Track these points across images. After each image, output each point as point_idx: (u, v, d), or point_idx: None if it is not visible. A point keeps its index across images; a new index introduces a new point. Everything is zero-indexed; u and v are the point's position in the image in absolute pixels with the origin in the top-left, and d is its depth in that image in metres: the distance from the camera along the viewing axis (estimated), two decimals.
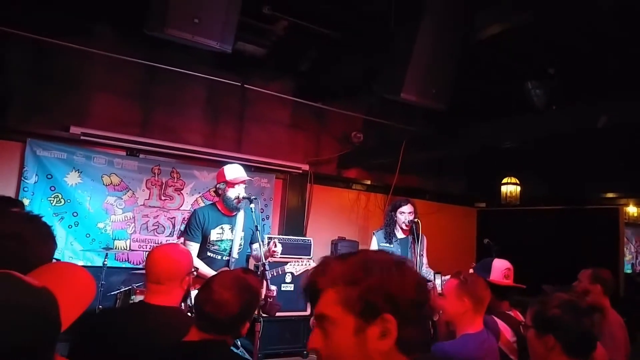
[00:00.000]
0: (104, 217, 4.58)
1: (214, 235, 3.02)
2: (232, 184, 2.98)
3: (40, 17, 4.04)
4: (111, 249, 4.34)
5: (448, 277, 2.24)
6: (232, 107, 5.25)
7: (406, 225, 3.73)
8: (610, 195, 5.57)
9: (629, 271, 6.58)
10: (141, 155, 4.84)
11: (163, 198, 4.93)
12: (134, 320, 1.65)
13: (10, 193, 4.10)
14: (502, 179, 5.82)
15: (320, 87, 5.40)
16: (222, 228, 3.05)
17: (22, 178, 4.23)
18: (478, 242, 6.89)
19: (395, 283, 0.80)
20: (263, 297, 2.58)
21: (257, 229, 2.88)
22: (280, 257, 3.23)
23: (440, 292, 2.53)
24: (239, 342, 2.48)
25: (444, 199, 6.69)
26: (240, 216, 3.08)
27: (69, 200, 4.41)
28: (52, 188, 4.35)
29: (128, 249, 4.70)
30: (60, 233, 4.33)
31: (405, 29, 3.36)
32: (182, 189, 5.02)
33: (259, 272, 2.74)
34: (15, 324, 0.68)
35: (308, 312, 4.57)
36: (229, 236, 3.06)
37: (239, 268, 2.90)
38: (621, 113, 3.34)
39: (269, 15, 4.08)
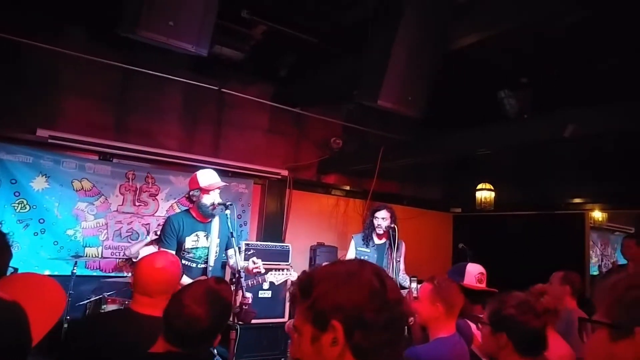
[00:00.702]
0: (73, 224, 4.43)
1: (189, 242, 2.96)
2: (206, 191, 2.93)
3: (9, 16, 3.90)
4: (81, 256, 4.19)
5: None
6: (210, 111, 5.19)
7: (382, 230, 3.77)
8: (577, 201, 5.78)
9: (595, 273, 6.81)
10: (115, 160, 4.71)
11: (137, 204, 4.81)
12: (123, 328, 1.61)
13: None
14: (477, 185, 5.95)
15: (299, 92, 5.40)
16: (197, 235, 2.99)
17: None
18: (454, 246, 7.00)
19: (343, 292, 0.85)
20: (238, 304, 2.55)
21: (232, 236, 2.84)
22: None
23: (415, 296, 2.56)
24: (215, 351, 2.43)
25: (422, 205, 6.78)
26: (215, 223, 3.04)
27: (34, 207, 4.24)
28: (17, 193, 4.17)
29: (100, 256, 4.55)
30: (24, 241, 4.16)
31: (382, 37, 3.40)
32: (157, 195, 4.92)
33: (234, 280, 2.71)
34: None
35: (286, 319, 4.53)
36: (205, 243, 3.01)
37: (211, 278, 2.84)
38: (587, 123, 3.47)
39: (247, 20, 4.06)
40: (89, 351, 1.57)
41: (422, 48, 3.42)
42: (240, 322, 2.55)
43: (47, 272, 4.21)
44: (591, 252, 6.45)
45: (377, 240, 3.85)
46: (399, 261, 3.82)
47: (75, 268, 3.82)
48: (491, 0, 3.20)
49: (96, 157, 4.62)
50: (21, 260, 4.12)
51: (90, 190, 4.53)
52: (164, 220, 4.33)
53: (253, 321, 2.98)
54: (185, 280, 2.76)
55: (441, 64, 3.58)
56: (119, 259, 4.64)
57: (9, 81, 4.09)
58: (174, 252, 2.90)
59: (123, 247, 4.64)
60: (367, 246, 3.82)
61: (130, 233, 4.73)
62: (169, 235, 2.90)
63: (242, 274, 2.69)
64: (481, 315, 2.35)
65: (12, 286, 0.90)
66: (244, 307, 2.60)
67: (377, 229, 3.78)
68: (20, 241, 4.14)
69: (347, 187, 6.22)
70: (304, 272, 0.96)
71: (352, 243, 3.95)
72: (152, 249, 4.27)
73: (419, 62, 3.45)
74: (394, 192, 6.45)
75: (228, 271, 3.90)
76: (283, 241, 5.44)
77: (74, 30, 4.31)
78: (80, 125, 4.39)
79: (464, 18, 3.47)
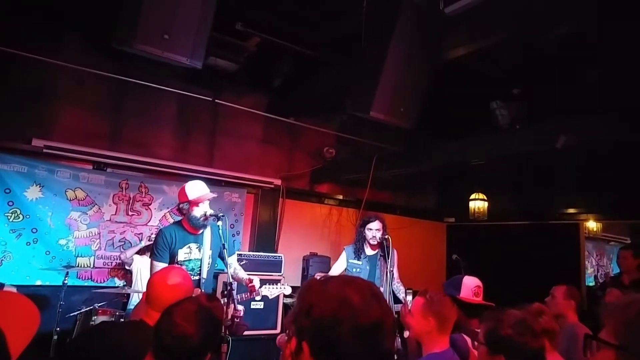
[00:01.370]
0: (66, 233, 4.40)
1: (181, 255, 2.95)
2: (196, 203, 2.92)
3: (3, 27, 3.91)
4: (73, 266, 4.17)
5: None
6: (204, 121, 5.20)
7: (376, 241, 3.76)
8: (571, 211, 5.80)
9: (591, 284, 6.83)
10: (108, 169, 4.71)
11: (130, 213, 4.79)
12: (134, 341, 1.62)
13: None
14: (471, 195, 5.98)
15: (292, 102, 5.43)
16: (189, 247, 2.98)
17: None
18: (448, 256, 7.01)
19: (317, 307, 0.85)
20: (230, 317, 2.53)
21: (224, 247, 2.83)
22: (251, 275, 3.20)
23: (409, 309, 2.55)
24: None
25: (415, 214, 6.79)
26: (207, 234, 3.02)
27: (27, 216, 4.22)
28: (10, 203, 4.15)
29: (92, 266, 4.52)
30: (17, 251, 4.13)
31: (375, 50, 3.43)
32: (150, 204, 4.90)
33: (225, 292, 2.69)
34: None
35: (278, 330, 4.50)
36: (197, 255, 2.99)
37: (203, 295, 2.82)
38: (579, 133, 3.50)
39: (241, 32, 4.10)
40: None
41: (414, 60, 3.46)
42: (231, 335, 2.53)
43: (38, 282, 4.19)
44: (587, 262, 6.46)
45: (368, 252, 3.84)
46: (392, 270, 3.81)
47: (66, 278, 3.79)
48: (480, 13, 3.24)
49: (90, 167, 4.61)
50: (13, 271, 4.09)
51: (83, 199, 4.52)
52: (156, 231, 4.33)
53: (245, 333, 2.97)
54: None
55: (433, 76, 3.62)
56: (111, 268, 4.61)
57: (4, 92, 4.09)
58: (166, 265, 2.89)
59: (115, 257, 4.62)
60: (359, 258, 3.80)
61: (122, 242, 4.70)
62: (162, 248, 2.89)
63: (235, 286, 2.67)
64: (478, 330, 2.34)
65: None
66: (235, 320, 2.58)
67: (370, 240, 3.76)
68: (13, 251, 4.12)
69: (340, 197, 6.23)
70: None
71: (344, 255, 3.93)
72: (146, 259, 4.26)
73: (411, 74, 3.48)
74: (387, 202, 6.46)
75: (220, 283, 3.88)
76: (276, 251, 5.43)
77: (68, 42, 4.32)
78: (75, 135, 4.39)
79: (455, 30, 3.52)
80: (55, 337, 3.53)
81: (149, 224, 4.86)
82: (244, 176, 5.26)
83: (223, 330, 2.31)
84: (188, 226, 2.98)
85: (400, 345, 3.09)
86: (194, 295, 2.56)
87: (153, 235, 4.51)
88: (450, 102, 4.77)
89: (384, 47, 3.36)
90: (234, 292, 2.65)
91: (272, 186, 5.48)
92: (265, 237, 5.53)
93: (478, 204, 5.88)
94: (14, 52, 3.86)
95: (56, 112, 4.38)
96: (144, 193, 4.87)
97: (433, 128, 4.79)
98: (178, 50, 2.94)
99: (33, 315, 0.98)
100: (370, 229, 3.75)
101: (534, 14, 3.03)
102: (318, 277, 1.02)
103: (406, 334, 2.29)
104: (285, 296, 4.34)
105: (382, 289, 3.53)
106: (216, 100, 4.77)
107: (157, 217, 4.91)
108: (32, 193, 4.25)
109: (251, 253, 4.96)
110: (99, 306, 3.66)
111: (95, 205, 4.59)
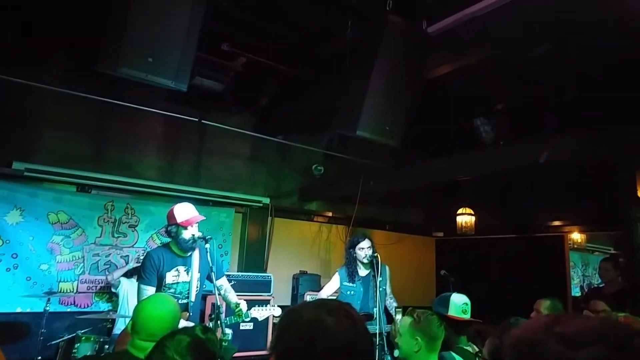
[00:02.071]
0: (48, 258, 4.29)
1: (169, 278, 2.89)
2: (184, 225, 2.89)
3: None
4: (54, 292, 4.05)
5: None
6: (190, 141, 5.18)
7: (367, 260, 3.74)
8: (556, 223, 5.89)
9: (577, 294, 6.89)
10: (93, 191, 4.63)
11: (116, 235, 4.70)
12: None
13: None
14: (459, 210, 6.03)
15: (280, 121, 5.45)
16: (177, 270, 2.93)
17: None
18: (437, 270, 7.01)
19: (292, 330, 0.91)
20: (217, 341, 2.48)
21: (212, 271, 2.79)
22: (240, 295, 3.16)
23: (398, 329, 2.54)
24: None
25: (404, 229, 6.82)
26: (196, 257, 2.98)
27: (7, 241, 4.11)
28: None
29: (75, 291, 4.41)
30: None
31: (359, 70, 3.48)
32: (136, 226, 4.82)
33: (213, 316, 2.64)
34: None
35: (267, 352, 4.43)
36: (185, 278, 2.94)
37: (198, 326, 2.76)
38: (561, 149, 3.58)
39: (227, 52, 4.12)
40: None
41: (398, 79, 3.51)
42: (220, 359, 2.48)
43: (18, 310, 4.06)
44: (572, 272, 6.54)
45: (362, 273, 3.81)
46: (384, 288, 3.79)
47: (48, 305, 3.68)
48: (462, 33, 3.33)
49: (74, 189, 4.53)
50: None
51: (66, 222, 4.43)
52: (143, 253, 4.25)
53: (235, 355, 2.91)
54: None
55: (418, 94, 3.68)
56: (95, 292, 4.49)
57: None
58: (154, 288, 2.83)
59: (101, 280, 4.51)
60: (353, 281, 3.77)
61: (108, 265, 4.60)
62: (149, 271, 2.83)
63: (223, 309, 2.63)
64: (467, 347, 2.34)
65: None
66: (223, 344, 2.53)
67: (363, 260, 3.74)
68: None
69: (330, 214, 6.23)
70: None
71: (337, 277, 3.87)
72: (133, 281, 4.16)
73: (395, 93, 3.53)
74: (376, 218, 6.47)
75: (208, 305, 3.81)
76: (265, 270, 5.38)
77: (50, 64, 4.28)
78: (58, 157, 4.32)
79: (438, 49, 3.60)
80: None
81: (135, 245, 4.78)
82: (231, 195, 5.23)
83: None
84: (176, 249, 2.94)
85: None
86: (182, 320, 2.51)
87: (140, 258, 4.44)
88: (436, 119, 4.85)
89: (368, 67, 3.40)
90: (222, 315, 2.60)
91: (261, 205, 5.46)
92: (254, 256, 5.47)
93: (465, 218, 5.93)
94: None
95: (38, 134, 4.32)
96: (130, 214, 4.80)
97: (419, 145, 4.84)
98: (163, 73, 2.91)
99: None
100: (362, 248, 3.73)
101: (513, 35, 3.12)
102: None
103: (396, 352, 2.28)
104: (274, 317, 4.27)
105: (375, 310, 3.50)
106: (202, 121, 4.76)
107: (144, 238, 4.83)
108: (13, 217, 4.15)
109: (240, 273, 4.90)
110: (82, 333, 3.55)
111: (79, 228, 4.49)
